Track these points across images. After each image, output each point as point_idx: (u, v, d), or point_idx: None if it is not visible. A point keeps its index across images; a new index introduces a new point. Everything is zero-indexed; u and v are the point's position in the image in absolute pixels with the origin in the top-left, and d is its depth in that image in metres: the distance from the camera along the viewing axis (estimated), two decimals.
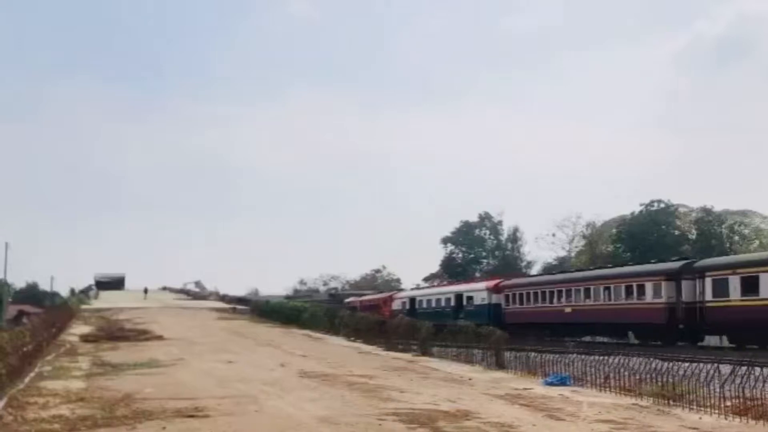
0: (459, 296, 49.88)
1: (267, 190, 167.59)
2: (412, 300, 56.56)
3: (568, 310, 38.48)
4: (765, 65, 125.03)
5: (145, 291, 78.00)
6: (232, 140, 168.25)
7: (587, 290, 37.52)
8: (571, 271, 48.51)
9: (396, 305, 57.13)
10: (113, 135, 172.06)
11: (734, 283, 28.40)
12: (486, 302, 45.82)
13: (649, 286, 32.94)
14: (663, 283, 32.17)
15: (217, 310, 57.59)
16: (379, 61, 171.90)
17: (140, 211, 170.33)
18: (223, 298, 73.95)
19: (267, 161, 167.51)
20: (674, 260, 36.76)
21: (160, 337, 31.19)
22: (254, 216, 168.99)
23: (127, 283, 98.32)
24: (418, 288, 72.22)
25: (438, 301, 52.93)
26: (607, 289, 35.91)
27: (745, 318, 27.46)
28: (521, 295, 43.18)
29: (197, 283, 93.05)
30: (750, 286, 27.65)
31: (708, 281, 29.72)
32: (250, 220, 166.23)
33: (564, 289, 39.59)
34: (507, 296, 44.60)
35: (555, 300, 39.85)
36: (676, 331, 31.40)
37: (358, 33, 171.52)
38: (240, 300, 67.98)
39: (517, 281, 47.90)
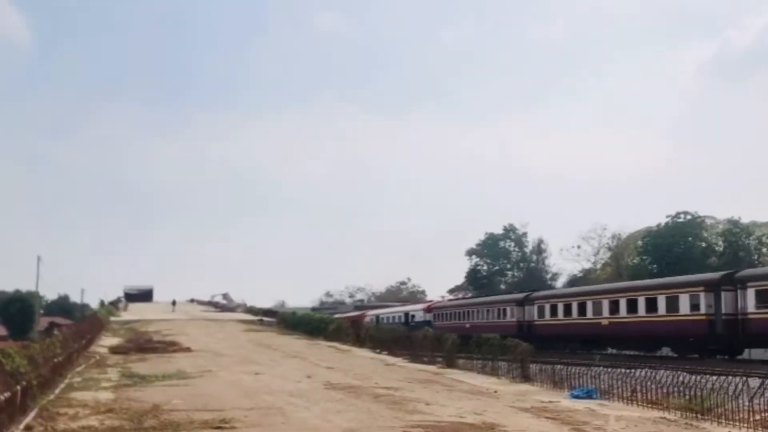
0: (407, 314, 64.53)
1: (294, 202, 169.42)
2: (377, 317, 67.82)
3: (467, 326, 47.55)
4: None
5: (173, 303, 78.60)
6: (259, 152, 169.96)
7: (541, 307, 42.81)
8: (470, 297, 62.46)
9: (367, 320, 63.15)
10: (143, 150, 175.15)
11: None
12: (423, 319, 58.26)
13: (685, 298, 32.17)
14: (702, 294, 31.43)
15: (244, 322, 57.81)
16: (404, 72, 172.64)
17: (169, 224, 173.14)
18: (251, 310, 74.21)
19: (293, 173, 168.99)
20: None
21: (187, 349, 31.36)
22: (282, 228, 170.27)
23: (156, 295, 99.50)
24: (383, 308, 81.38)
25: (394, 318, 66.06)
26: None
27: None
28: (445, 314, 55.48)
29: (225, 295, 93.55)
30: None
31: (750, 292, 29.11)
32: (278, 232, 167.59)
33: (475, 310, 50.48)
34: (435, 314, 57.09)
35: (466, 317, 51.09)
36: (716, 344, 30.77)
37: (383, 44, 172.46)
38: (267, 312, 68.19)
39: (442, 303, 65.51)
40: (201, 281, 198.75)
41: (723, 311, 30.31)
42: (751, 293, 29.05)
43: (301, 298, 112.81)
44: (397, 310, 70.56)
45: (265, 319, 60.37)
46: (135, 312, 66.43)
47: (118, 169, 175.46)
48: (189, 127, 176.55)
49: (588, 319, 37.81)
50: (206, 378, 20.81)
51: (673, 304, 32.39)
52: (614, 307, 36.26)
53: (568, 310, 39.82)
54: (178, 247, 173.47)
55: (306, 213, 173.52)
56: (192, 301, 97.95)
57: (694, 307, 31.38)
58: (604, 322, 36.55)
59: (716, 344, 30.66)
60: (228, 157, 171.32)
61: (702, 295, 31.29)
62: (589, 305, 38.16)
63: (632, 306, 34.98)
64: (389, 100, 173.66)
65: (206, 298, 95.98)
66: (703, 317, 30.90)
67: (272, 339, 41.06)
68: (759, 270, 33.38)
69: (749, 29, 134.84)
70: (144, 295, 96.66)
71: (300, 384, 19.28)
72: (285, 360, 28.14)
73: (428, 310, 59.96)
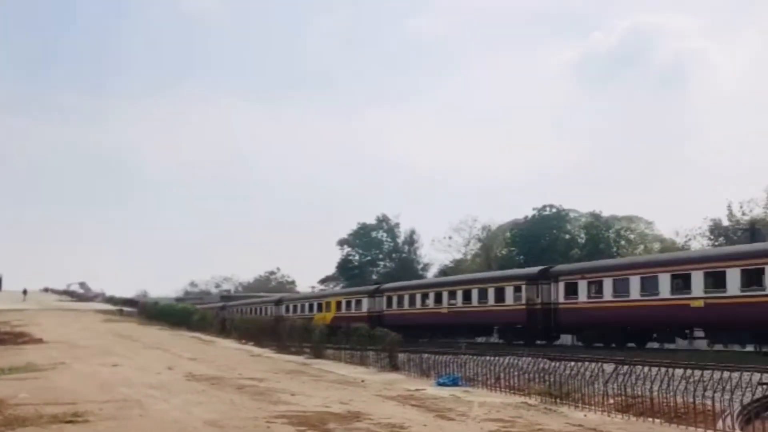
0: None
1: (158, 189, 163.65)
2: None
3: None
4: (654, 75, 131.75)
5: (24, 292, 74.65)
6: (122, 137, 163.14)
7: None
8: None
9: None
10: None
11: (582, 286, 31.34)
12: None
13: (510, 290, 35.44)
14: (523, 287, 34.92)
15: (104, 312, 55.67)
16: (276, 59, 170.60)
17: (22, 209, 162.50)
18: (110, 300, 71.60)
19: (159, 158, 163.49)
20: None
21: (39, 341, 29.60)
22: (145, 216, 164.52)
23: (5, 284, 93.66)
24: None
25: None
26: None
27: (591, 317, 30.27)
28: (297, 306, 56.52)
29: (82, 285, 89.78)
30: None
31: (561, 285, 32.75)
32: (141, 220, 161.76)
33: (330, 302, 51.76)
34: (286, 306, 58.36)
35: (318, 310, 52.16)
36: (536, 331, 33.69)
37: (252, 30, 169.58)
38: (128, 302, 65.87)
39: (295, 295, 70.67)
40: (56, 270, 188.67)
41: (541, 301, 33.56)
42: (561, 286, 32.52)
43: (165, 287, 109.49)
44: (252, 301, 71.37)
45: (125, 309, 58.53)
46: None
47: None
48: (49, 107, 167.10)
49: (430, 308, 40.68)
50: (59, 370, 19.62)
51: (500, 295, 35.63)
52: (453, 298, 39.35)
53: (412, 300, 42.57)
54: (31, 234, 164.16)
55: (171, 201, 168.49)
56: (46, 290, 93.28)
57: (517, 298, 34.77)
58: (444, 311, 39.43)
59: (535, 331, 33.72)
60: (90, 140, 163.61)
61: (523, 287, 34.66)
62: (431, 296, 41.37)
63: (467, 297, 38.09)
64: (262, 86, 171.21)
65: (62, 288, 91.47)
66: (523, 307, 34.10)
67: (133, 330, 39.68)
68: (566, 266, 37.03)
69: (614, 30, 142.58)
70: None
71: (160, 376, 18.57)
72: (145, 351, 27.20)
73: (278, 302, 60.68)
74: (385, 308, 44.83)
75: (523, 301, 34.19)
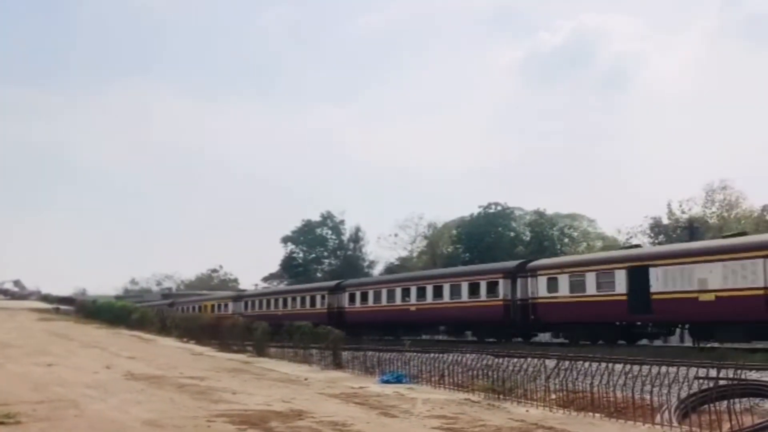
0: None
1: (97, 185, 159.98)
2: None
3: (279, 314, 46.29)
4: (597, 76, 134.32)
5: None
6: (57, 132, 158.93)
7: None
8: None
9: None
10: None
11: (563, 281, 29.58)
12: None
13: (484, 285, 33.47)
14: (500, 281, 32.69)
15: (38, 310, 54.33)
16: (220, 54, 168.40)
17: None
18: (46, 298, 69.84)
19: (98, 156, 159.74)
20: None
21: None
22: (82, 213, 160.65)
23: None
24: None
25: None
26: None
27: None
28: (255, 302, 54.57)
29: (16, 282, 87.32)
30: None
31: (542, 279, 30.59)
32: (79, 216, 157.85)
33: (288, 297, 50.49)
34: (245, 302, 55.61)
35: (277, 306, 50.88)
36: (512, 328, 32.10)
37: (197, 25, 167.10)
38: (64, 300, 64.36)
39: (253, 291, 68.47)
40: None
41: (518, 296, 31.68)
42: (542, 280, 30.46)
43: (104, 285, 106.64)
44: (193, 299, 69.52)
45: (61, 307, 57.30)
46: None
47: None
48: None
49: (397, 305, 38.70)
50: None
51: (475, 290, 33.57)
52: (422, 294, 37.21)
53: (378, 297, 40.52)
54: None
55: (110, 197, 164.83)
56: None
57: (493, 293, 32.60)
58: (413, 308, 37.47)
59: (512, 328, 32.13)
60: (26, 135, 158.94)
61: (500, 282, 32.62)
62: (398, 292, 39.06)
63: (438, 292, 35.94)
64: (204, 81, 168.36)
65: None
66: (500, 302, 32.06)
67: (69, 328, 38.82)
68: (546, 260, 34.97)
69: (559, 31, 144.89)
70: None
71: (98, 375, 18.16)
72: (82, 350, 26.61)
73: (237, 299, 58.71)
74: (347, 305, 43.22)
75: (500, 297, 31.97)
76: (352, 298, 42.62)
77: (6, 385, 15.81)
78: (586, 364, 14.53)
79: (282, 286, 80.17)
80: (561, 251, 74.74)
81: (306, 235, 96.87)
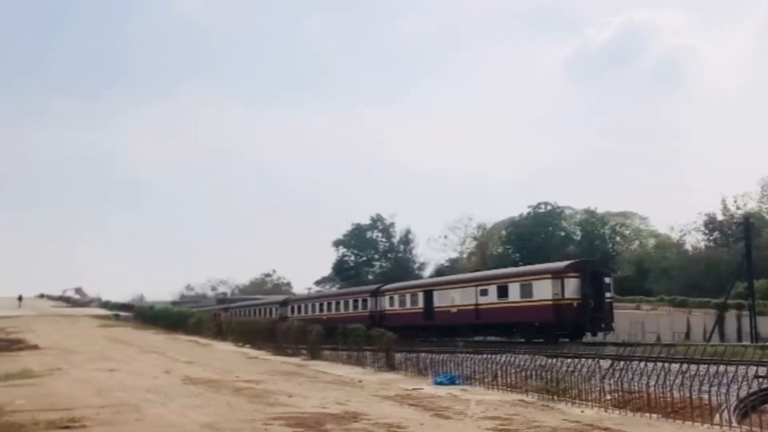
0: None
1: (153, 192, 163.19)
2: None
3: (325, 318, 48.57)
4: (647, 72, 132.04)
5: (20, 298, 74.35)
6: (115, 141, 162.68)
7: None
8: None
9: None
10: None
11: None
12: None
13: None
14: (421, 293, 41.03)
15: (99, 317, 55.50)
16: (269, 60, 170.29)
17: (16, 216, 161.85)
18: (106, 305, 71.38)
19: (151, 164, 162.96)
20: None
21: (35, 347, 29.54)
22: (140, 220, 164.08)
23: (0, 291, 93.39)
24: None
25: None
26: None
27: None
28: (302, 306, 56.22)
29: (78, 290, 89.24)
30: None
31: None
32: (136, 224, 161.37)
33: (333, 301, 52.52)
34: (291, 307, 57.24)
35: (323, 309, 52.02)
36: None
37: (245, 31, 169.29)
38: (123, 306, 65.70)
39: (298, 296, 69.45)
40: (52, 275, 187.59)
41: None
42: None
43: (161, 291, 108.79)
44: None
45: (121, 313, 58.37)
46: None
47: None
48: (43, 113, 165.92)
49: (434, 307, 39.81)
50: (55, 376, 19.60)
51: (527, 291, 33.03)
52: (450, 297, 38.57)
53: (414, 299, 41.43)
54: (25, 240, 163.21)
55: (166, 204, 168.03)
56: (41, 296, 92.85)
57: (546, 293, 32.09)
58: (453, 310, 37.91)
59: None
60: (85, 145, 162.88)
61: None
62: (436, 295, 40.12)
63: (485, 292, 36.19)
64: (255, 87, 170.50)
65: (57, 293, 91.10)
66: (550, 302, 31.70)
67: (128, 334, 39.57)
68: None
69: (607, 27, 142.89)
70: None
71: (157, 380, 18.56)
72: (141, 355, 27.13)
73: (284, 303, 59.91)
74: (387, 307, 44.05)
75: (550, 297, 31.58)
76: (392, 302, 43.93)
77: (71, 391, 16.31)
78: (642, 364, 14.35)
79: (327, 290, 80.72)
80: (613, 250, 73.86)
81: (357, 239, 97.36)
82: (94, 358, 25.49)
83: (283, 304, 59.24)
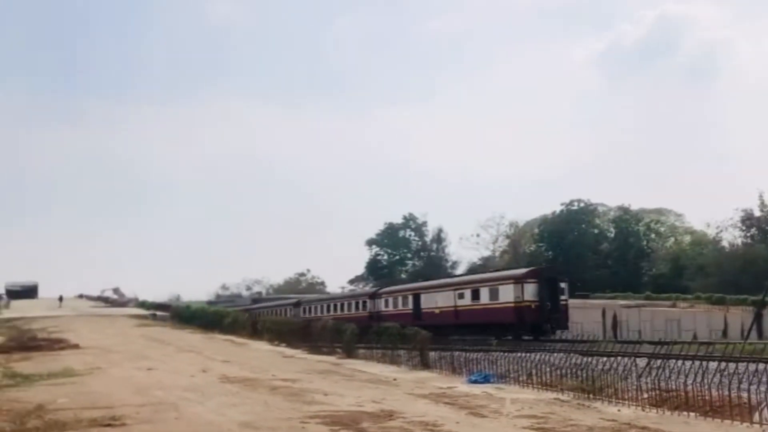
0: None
1: (188, 194, 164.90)
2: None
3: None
4: (682, 66, 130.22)
5: (60, 299, 75.66)
6: (151, 143, 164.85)
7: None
8: None
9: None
10: (23, 139, 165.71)
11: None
12: None
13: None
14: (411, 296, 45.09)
15: (136, 317, 56.11)
16: (295, 61, 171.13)
17: (55, 217, 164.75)
18: (143, 305, 72.26)
19: (186, 164, 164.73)
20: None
21: (75, 346, 29.98)
22: (176, 221, 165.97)
23: (41, 292, 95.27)
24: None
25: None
26: None
27: None
28: (312, 308, 60.13)
29: (116, 290, 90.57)
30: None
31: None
32: (172, 224, 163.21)
33: (338, 303, 56.45)
34: (303, 308, 60.79)
35: (329, 311, 55.77)
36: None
37: (271, 33, 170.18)
38: (160, 306, 66.47)
39: (310, 297, 71.31)
40: (90, 276, 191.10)
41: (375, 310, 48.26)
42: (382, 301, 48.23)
43: (197, 291, 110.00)
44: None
45: (158, 313, 58.95)
46: (18, 309, 63.27)
47: None
48: (79, 116, 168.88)
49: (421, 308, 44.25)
50: (95, 375, 19.93)
51: (495, 295, 37.52)
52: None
53: (405, 302, 46.08)
54: (65, 241, 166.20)
55: (201, 205, 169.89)
56: (81, 296, 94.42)
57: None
58: (437, 311, 42.32)
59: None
60: (118, 147, 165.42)
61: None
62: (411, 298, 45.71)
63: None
64: (282, 88, 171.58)
65: (96, 294, 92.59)
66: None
67: (166, 334, 40.01)
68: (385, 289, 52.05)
69: (642, 21, 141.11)
70: (28, 292, 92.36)
71: (194, 378, 18.77)
72: (179, 355, 27.45)
73: (297, 304, 63.02)
74: (383, 308, 48.41)
75: (513, 300, 35.89)
76: (386, 303, 48.73)
77: (111, 389, 16.60)
78: (679, 363, 14.21)
79: (335, 293, 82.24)
80: (647, 247, 72.97)
81: (389, 238, 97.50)
82: (132, 357, 25.83)
83: (296, 305, 62.86)
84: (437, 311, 40.86)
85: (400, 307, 45.40)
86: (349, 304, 53.72)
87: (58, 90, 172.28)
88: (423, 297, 43.46)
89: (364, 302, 51.38)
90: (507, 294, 36.08)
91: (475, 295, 38.35)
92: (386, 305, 47.70)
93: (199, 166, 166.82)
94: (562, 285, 37.53)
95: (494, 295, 36.99)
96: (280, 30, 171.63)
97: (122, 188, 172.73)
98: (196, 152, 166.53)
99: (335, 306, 55.75)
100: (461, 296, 39.39)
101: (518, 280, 36.29)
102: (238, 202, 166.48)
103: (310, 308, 60.04)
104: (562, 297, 36.77)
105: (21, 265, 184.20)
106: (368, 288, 60.29)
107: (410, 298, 44.68)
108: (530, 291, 35.45)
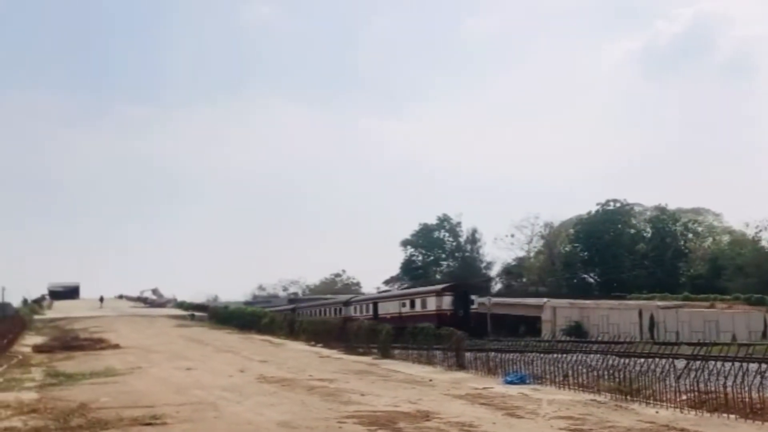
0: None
1: (224, 194, 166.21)
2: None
3: None
4: (720, 64, 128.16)
5: (101, 300, 76.84)
6: (187, 144, 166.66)
7: None
8: None
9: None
10: (64, 142, 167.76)
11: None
12: None
13: None
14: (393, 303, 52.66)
15: (175, 317, 56.94)
16: (337, 64, 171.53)
17: (96, 219, 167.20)
18: (181, 305, 73.09)
19: (222, 164, 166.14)
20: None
21: (116, 346, 30.58)
22: (212, 221, 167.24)
23: (83, 292, 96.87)
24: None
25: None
26: None
27: None
28: (307, 310, 65.25)
29: (155, 291, 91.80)
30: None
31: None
32: (209, 225, 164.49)
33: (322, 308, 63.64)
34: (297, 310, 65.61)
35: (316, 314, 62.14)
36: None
37: (315, 35, 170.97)
38: (198, 307, 67.21)
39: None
40: (130, 277, 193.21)
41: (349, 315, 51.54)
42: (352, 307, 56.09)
43: (234, 292, 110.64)
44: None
45: (196, 314, 59.61)
46: (60, 310, 64.57)
47: (34, 160, 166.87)
48: (111, 118, 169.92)
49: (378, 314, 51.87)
50: (136, 375, 20.35)
51: (424, 304, 47.64)
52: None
53: (368, 308, 54.33)
54: (105, 243, 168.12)
55: (237, 205, 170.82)
56: (121, 297, 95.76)
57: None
58: (388, 316, 49.62)
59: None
60: (155, 149, 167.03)
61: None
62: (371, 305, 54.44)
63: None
64: (316, 90, 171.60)
65: (135, 294, 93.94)
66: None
67: (204, 334, 40.52)
68: (356, 297, 62.76)
69: (678, 19, 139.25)
70: (70, 293, 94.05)
71: (232, 378, 19.04)
72: (217, 355, 27.80)
73: (293, 309, 66.31)
74: (353, 314, 53.92)
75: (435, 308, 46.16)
76: (355, 310, 56.39)
77: (151, 388, 16.94)
78: (719, 364, 14.04)
79: (325, 298, 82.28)
80: (685, 247, 71.86)
81: (424, 238, 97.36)
82: (172, 357, 26.26)
83: (293, 310, 65.34)
84: (389, 316, 49.28)
85: (364, 312, 53.84)
86: (330, 309, 61.42)
87: (95, 91, 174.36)
88: (380, 305, 53.21)
89: (339, 309, 59.65)
90: (431, 304, 46.88)
91: (413, 304, 49.30)
92: (355, 311, 56.28)
93: (235, 167, 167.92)
94: (473, 297, 48.22)
95: (423, 304, 47.86)
96: (314, 30, 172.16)
97: (161, 190, 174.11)
98: (232, 153, 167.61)
99: (321, 310, 62.88)
100: (404, 305, 50.20)
101: (438, 294, 47.34)
102: (273, 203, 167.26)
103: (306, 311, 64.69)
104: (472, 306, 47.23)
105: (63, 267, 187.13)
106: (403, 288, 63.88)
107: (371, 306, 54.36)
108: (447, 302, 46.19)
